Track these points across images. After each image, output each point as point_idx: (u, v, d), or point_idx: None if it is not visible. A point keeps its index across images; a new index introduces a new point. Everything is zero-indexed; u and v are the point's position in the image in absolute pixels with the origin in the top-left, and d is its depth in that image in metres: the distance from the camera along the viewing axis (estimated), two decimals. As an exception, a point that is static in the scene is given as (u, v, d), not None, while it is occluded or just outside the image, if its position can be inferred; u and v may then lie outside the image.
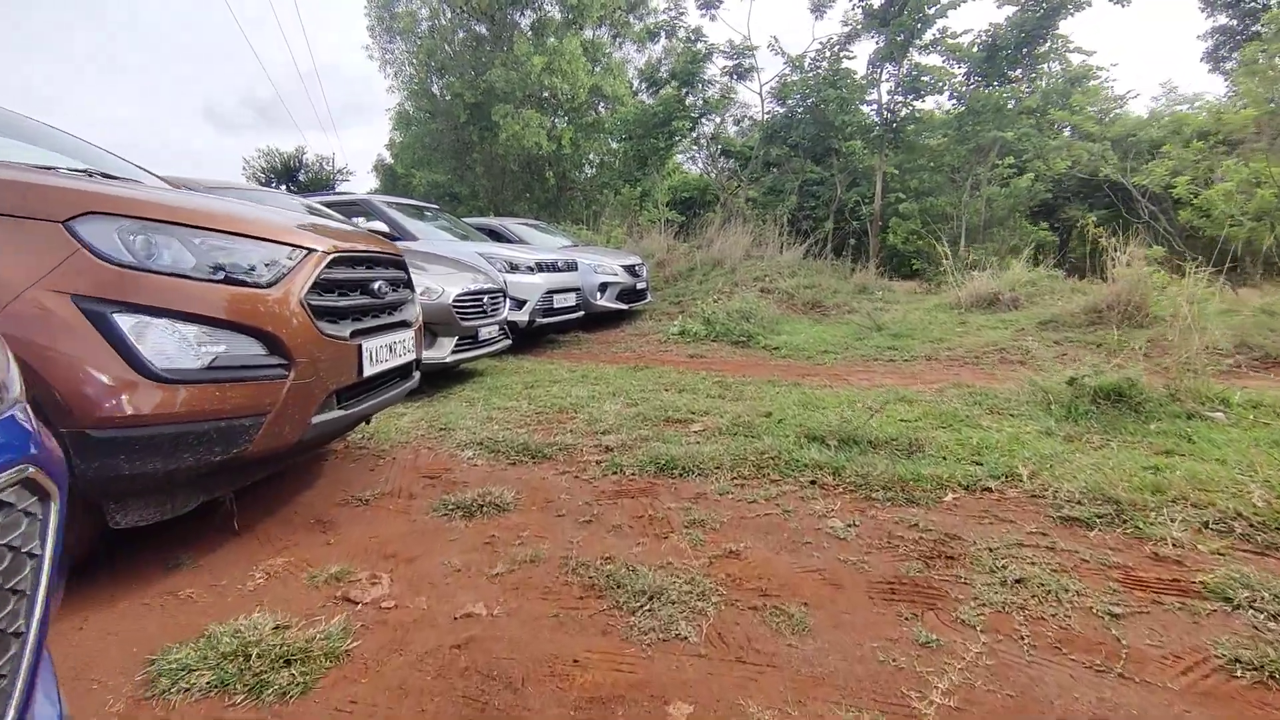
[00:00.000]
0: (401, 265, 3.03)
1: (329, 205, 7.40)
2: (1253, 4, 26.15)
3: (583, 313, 8.05)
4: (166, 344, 1.77)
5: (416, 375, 3.19)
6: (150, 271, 1.79)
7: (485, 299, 5.14)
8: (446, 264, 5.38)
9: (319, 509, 2.62)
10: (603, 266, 9.01)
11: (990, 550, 2.12)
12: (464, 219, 10.55)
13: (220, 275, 1.93)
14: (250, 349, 1.95)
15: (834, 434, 3.31)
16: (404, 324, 2.92)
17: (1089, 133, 14.49)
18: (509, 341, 5.74)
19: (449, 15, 24.15)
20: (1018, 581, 1.93)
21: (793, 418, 3.76)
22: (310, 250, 2.22)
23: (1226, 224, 9.18)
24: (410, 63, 23.84)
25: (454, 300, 4.69)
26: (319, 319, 2.19)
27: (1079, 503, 2.46)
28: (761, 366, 5.95)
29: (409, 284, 3.13)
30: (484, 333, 5.09)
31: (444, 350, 4.62)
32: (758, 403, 4.25)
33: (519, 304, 6.84)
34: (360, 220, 6.86)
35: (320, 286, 2.24)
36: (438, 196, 27.25)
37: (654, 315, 9.75)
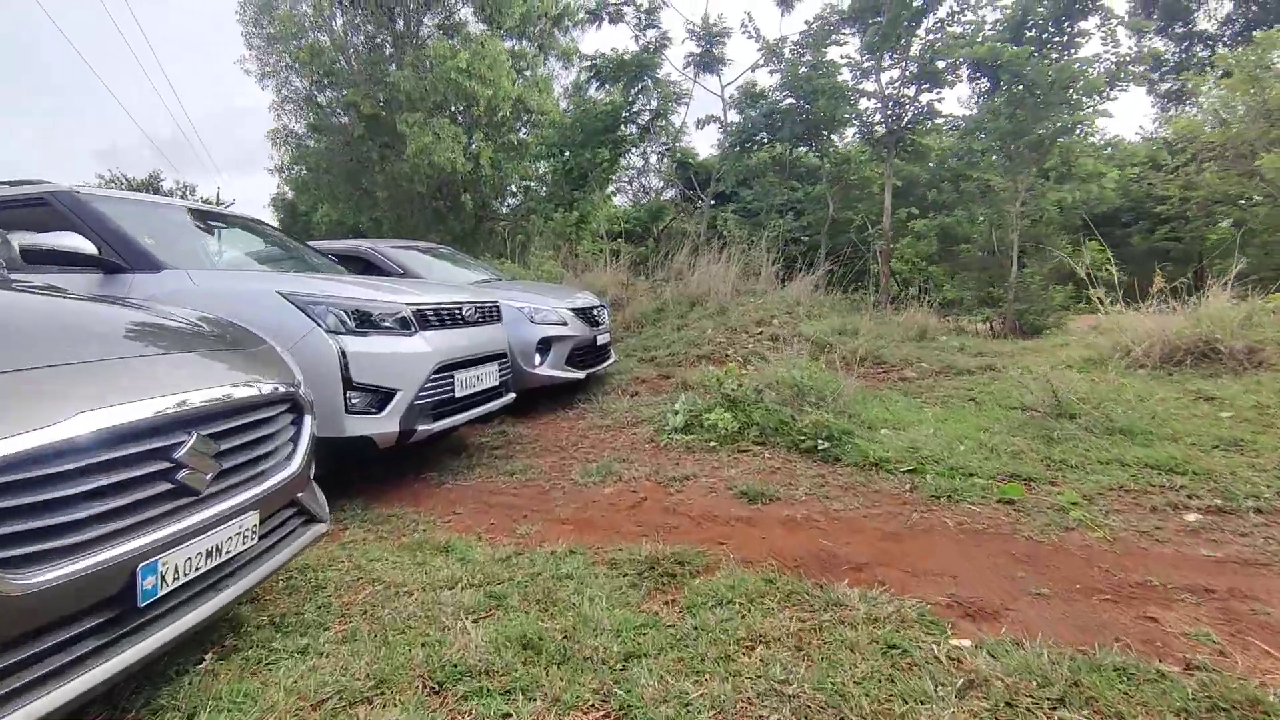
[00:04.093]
0: None
1: (-10, 204, 3.66)
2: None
3: (512, 395, 4.49)
4: None
5: None
6: None
7: (191, 449, 1.53)
8: (126, 341, 1.74)
9: None
10: (543, 312, 5.52)
11: None
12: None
13: None
14: None
15: None
16: None
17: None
18: (287, 552, 2.12)
19: (341, 19, 20.44)
20: None
21: None
22: None
23: None
24: (289, 68, 19.85)
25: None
26: None
27: None
28: (950, 544, 2.54)
29: None
30: (165, 583, 1.46)
31: None
32: None
33: (378, 400, 3.23)
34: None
35: None
36: (341, 235, 22.94)
37: (623, 383, 6.29)
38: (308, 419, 2.05)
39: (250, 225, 4.92)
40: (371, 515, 3.10)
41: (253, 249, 4.69)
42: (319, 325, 3.10)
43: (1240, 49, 19.71)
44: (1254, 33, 25.64)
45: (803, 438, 3.88)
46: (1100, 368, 4.94)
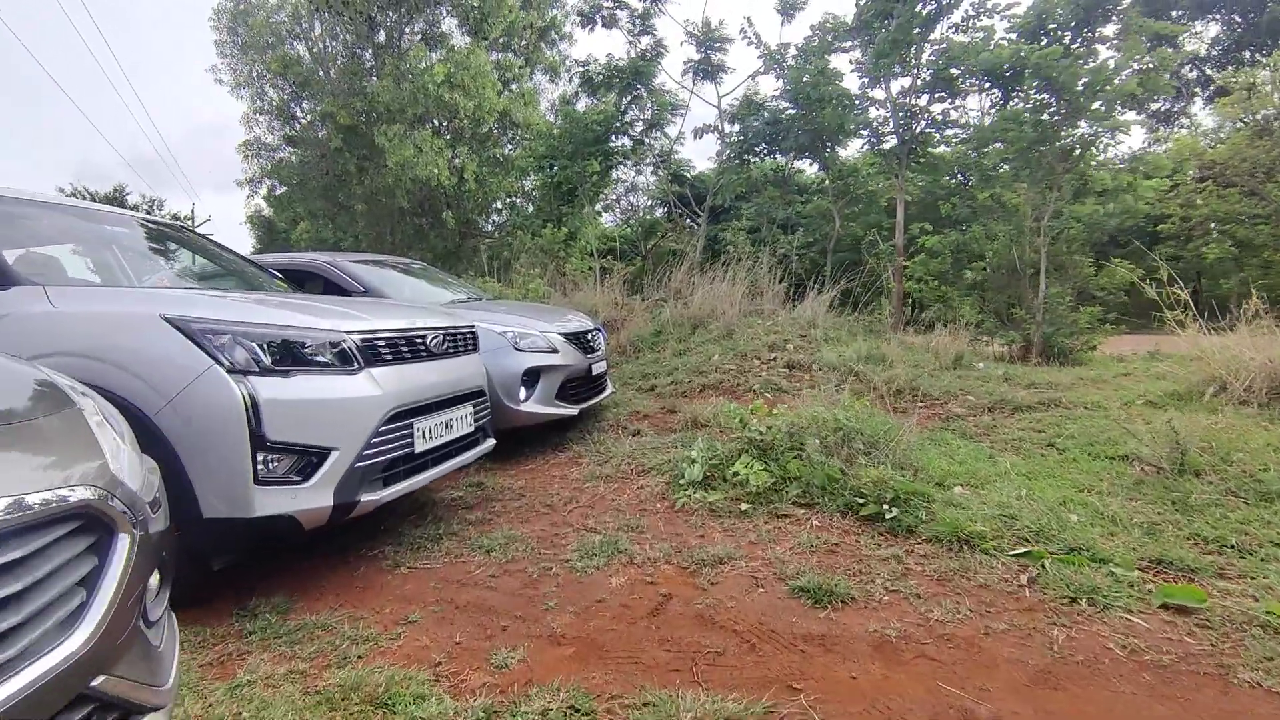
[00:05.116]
0: None
1: None
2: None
3: (491, 442, 3.64)
4: None
5: None
6: None
7: None
8: None
9: None
10: (529, 336, 4.69)
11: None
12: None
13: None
14: None
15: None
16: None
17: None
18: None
19: (319, 28, 19.69)
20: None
21: None
22: None
23: None
24: (263, 78, 19.03)
25: None
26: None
27: None
28: (1141, 695, 1.70)
29: None
30: None
31: None
32: None
33: (304, 463, 2.36)
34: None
35: None
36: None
37: (622, 418, 5.46)
38: (120, 543, 1.18)
39: (178, 235, 4.08)
40: (288, 627, 2.22)
41: (175, 263, 3.83)
42: (218, 362, 2.23)
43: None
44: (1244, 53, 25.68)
45: (860, 500, 3.06)
46: (1192, 404, 4.19)
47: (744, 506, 3.26)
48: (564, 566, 2.70)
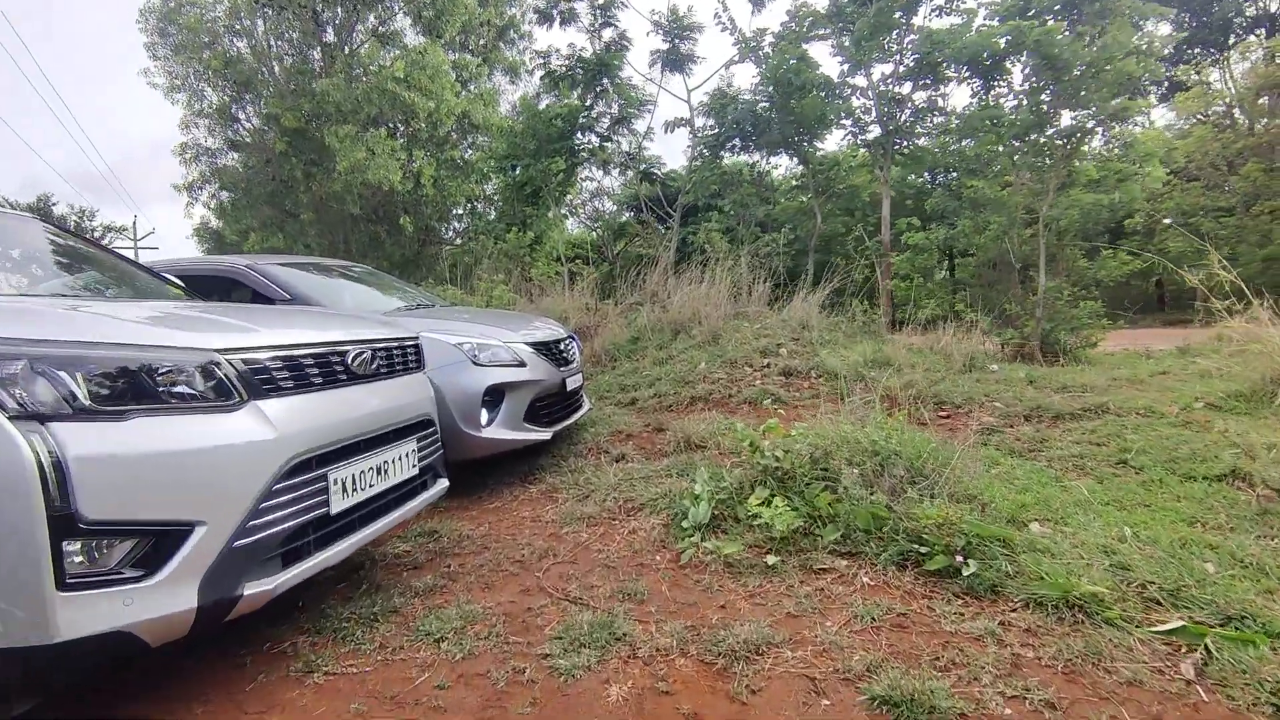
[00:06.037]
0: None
1: None
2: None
3: (443, 484, 2.87)
4: None
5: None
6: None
7: None
8: None
9: None
10: (490, 348, 3.94)
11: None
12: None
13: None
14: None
15: None
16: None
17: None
18: None
19: (263, 26, 18.56)
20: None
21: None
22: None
23: None
24: (200, 77, 17.83)
25: None
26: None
27: None
28: None
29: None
30: None
31: None
32: None
33: (148, 549, 1.58)
34: None
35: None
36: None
37: (602, 439, 4.74)
38: None
39: (38, 233, 3.22)
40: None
41: (31, 269, 2.99)
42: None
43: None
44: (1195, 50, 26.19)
45: (921, 548, 2.38)
46: (1264, 406, 3.63)
47: (770, 560, 2.55)
48: (542, 667, 1.96)
